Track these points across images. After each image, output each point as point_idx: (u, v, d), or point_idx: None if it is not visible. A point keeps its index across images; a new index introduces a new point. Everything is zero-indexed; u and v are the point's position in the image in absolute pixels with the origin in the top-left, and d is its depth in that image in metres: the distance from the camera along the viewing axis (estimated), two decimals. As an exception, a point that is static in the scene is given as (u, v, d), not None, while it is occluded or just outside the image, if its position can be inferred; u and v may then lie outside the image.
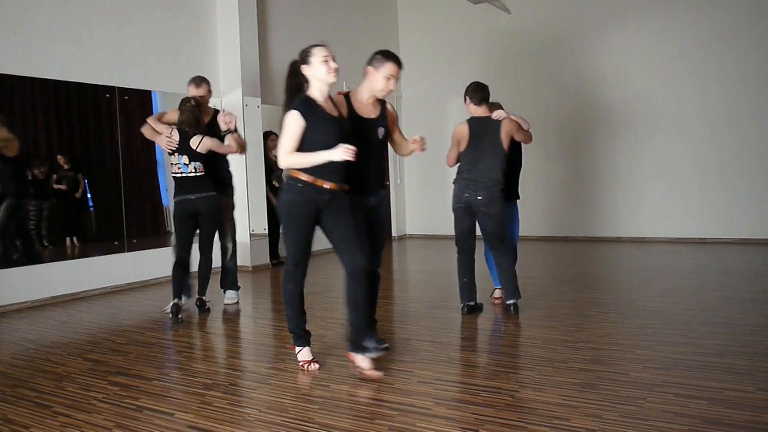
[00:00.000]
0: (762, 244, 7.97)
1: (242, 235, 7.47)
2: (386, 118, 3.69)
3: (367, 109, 3.61)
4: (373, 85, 3.59)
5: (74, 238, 6.45)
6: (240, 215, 7.44)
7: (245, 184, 7.38)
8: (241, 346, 4.07)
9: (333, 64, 3.44)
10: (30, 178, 6.01)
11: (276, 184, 7.74)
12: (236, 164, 7.39)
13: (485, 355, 3.56)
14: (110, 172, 6.41)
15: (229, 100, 7.48)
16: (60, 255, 6.19)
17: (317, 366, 3.46)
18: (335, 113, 3.44)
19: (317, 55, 3.43)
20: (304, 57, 3.46)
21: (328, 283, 6.66)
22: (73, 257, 6.23)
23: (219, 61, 7.52)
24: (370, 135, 3.53)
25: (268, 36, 8.12)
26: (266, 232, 7.68)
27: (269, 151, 7.76)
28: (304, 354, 3.51)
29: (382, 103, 3.71)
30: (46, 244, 6.25)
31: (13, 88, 5.72)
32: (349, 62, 9.56)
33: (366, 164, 3.48)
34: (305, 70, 3.44)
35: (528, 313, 4.69)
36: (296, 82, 3.47)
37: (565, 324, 4.29)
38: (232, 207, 5.41)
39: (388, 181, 4.04)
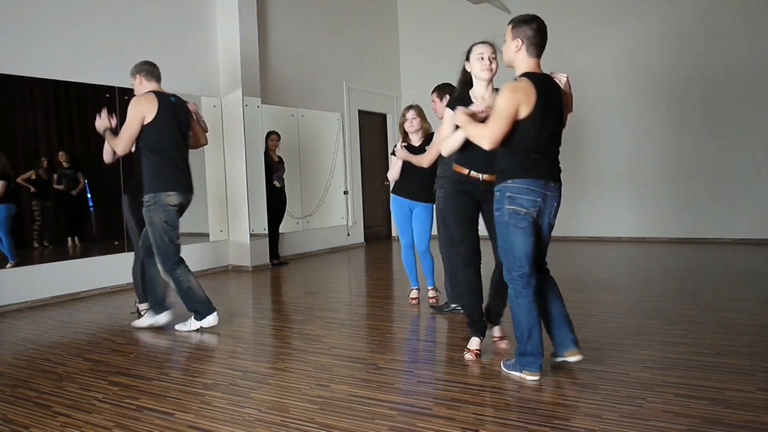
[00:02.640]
0: (762, 243, 7.97)
1: (242, 235, 7.48)
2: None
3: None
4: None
5: (75, 238, 6.46)
6: (240, 215, 7.47)
7: (245, 184, 7.38)
8: (240, 347, 4.07)
9: (486, 62, 3.46)
10: (35, 177, 6.02)
11: (277, 184, 7.74)
12: (236, 163, 7.42)
13: (485, 355, 3.56)
14: (110, 171, 6.41)
15: (229, 100, 7.48)
16: (60, 255, 6.20)
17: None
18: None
19: (474, 52, 3.49)
20: (467, 54, 3.54)
21: (328, 283, 6.66)
22: (73, 257, 6.24)
23: (219, 61, 7.52)
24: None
25: (268, 36, 8.13)
26: (266, 232, 7.68)
27: (270, 151, 7.76)
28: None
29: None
30: (46, 244, 6.26)
31: (13, 87, 5.72)
32: (349, 62, 9.61)
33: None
34: (467, 66, 3.53)
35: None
36: (465, 78, 3.56)
37: (565, 324, 4.29)
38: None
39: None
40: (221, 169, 7.58)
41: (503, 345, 3.76)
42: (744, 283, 5.68)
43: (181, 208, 4.38)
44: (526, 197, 3.07)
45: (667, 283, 5.76)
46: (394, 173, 4.97)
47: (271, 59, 8.20)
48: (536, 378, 3.12)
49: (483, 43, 3.52)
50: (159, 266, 4.35)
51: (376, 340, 4.15)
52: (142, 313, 4.78)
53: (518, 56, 3.16)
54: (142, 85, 4.38)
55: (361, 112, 9.80)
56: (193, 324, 4.44)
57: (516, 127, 3.06)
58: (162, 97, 4.31)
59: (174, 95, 4.45)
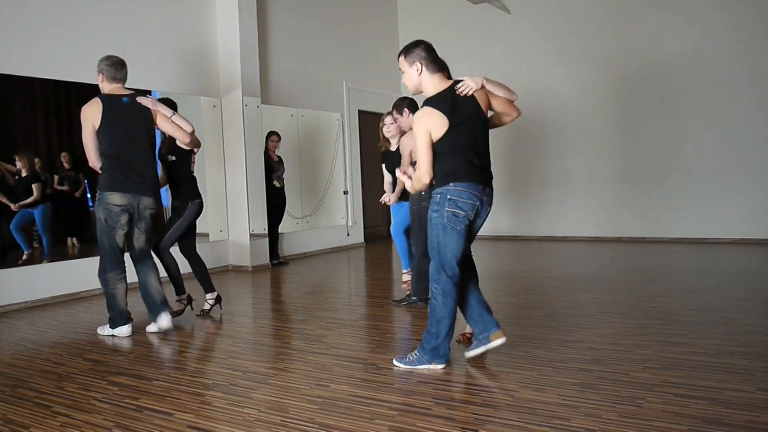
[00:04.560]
0: (762, 243, 7.97)
1: (242, 235, 7.48)
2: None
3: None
4: None
5: (74, 239, 6.48)
6: (240, 215, 7.47)
7: (245, 184, 7.38)
8: (240, 347, 4.07)
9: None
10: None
11: (277, 184, 7.74)
12: (236, 163, 7.42)
13: (485, 355, 3.56)
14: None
15: (229, 100, 7.48)
16: (60, 255, 6.20)
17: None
18: None
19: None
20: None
21: (328, 283, 6.66)
22: (73, 257, 6.24)
23: (219, 61, 7.52)
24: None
25: (267, 36, 8.13)
26: (266, 232, 7.68)
27: (270, 151, 7.76)
28: None
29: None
30: (37, 245, 6.28)
31: (14, 88, 5.72)
32: (349, 63, 9.61)
33: None
34: None
35: (528, 312, 4.69)
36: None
37: (565, 324, 4.29)
38: None
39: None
40: (221, 169, 7.58)
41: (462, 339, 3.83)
42: (744, 282, 5.67)
43: (130, 210, 4.28)
44: (466, 201, 3.24)
45: (667, 283, 5.76)
46: (394, 198, 5.18)
47: (271, 59, 8.20)
48: (443, 366, 3.35)
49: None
50: (100, 262, 4.37)
51: (376, 340, 4.15)
52: (209, 301, 4.98)
53: (423, 78, 3.35)
54: (103, 84, 4.33)
55: (361, 112, 9.80)
56: (107, 329, 4.44)
57: (440, 141, 3.24)
58: (109, 101, 4.22)
59: (129, 95, 4.32)
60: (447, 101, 3.26)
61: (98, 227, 4.28)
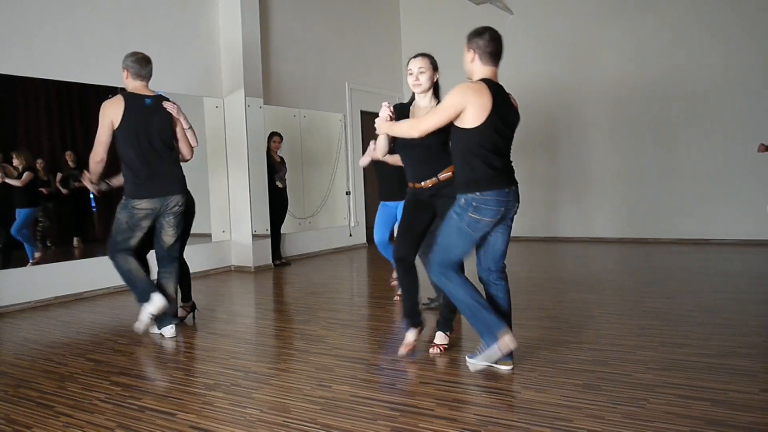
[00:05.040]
0: (765, 245, 7.95)
1: (245, 236, 7.48)
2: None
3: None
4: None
5: (78, 239, 6.49)
6: (242, 215, 7.48)
7: (247, 184, 7.39)
8: (242, 347, 4.07)
9: (413, 78, 3.59)
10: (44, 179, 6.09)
11: (279, 184, 7.75)
12: (238, 164, 7.43)
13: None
14: (113, 172, 6.43)
15: (231, 100, 7.49)
16: (63, 255, 6.21)
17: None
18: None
19: (407, 68, 3.63)
20: None
21: (330, 284, 6.66)
22: (76, 258, 6.25)
23: (221, 62, 7.53)
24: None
25: (270, 37, 8.13)
26: (268, 232, 7.69)
27: (273, 152, 7.77)
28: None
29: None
30: (49, 245, 6.28)
31: (17, 88, 5.74)
32: (351, 63, 9.61)
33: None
34: None
35: (530, 313, 4.68)
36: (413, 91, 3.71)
37: (567, 324, 4.29)
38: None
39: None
40: (224, 169, 7.58)
41: (435, 351, 3.74)
42: (747, 284, 5.66)
43: (156, 213, 4.26)
44: (492, 208, 3.22)
45: (670, 284, 5.75)
46: (364, 161, 5.16)
47: (274, 60, 8.20)
48: (509, 335, 3.22)
49: (414, 57, 3.65)
50: (108, 250, 4.34)
51: (378, 340, 4.15)
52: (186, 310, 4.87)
53: (473, 66, 3.30)
54: (127, 81, 4.27)
55: (363, 113, 9.80)
56: (143, 316, 4.25)
57: (474, 133, 3.15)
58: (132, 100, 4.17)
59: (153, 96, 4.27)
60: (501, 94, 3.21)
61: (116, 225, 4.25)
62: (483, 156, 3.18)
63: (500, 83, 3.28)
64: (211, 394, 3.15)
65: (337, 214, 9.50)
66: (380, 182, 5.39)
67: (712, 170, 8.36)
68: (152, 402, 3.07)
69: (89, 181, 4.37)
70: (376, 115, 3.56)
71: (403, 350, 3.69)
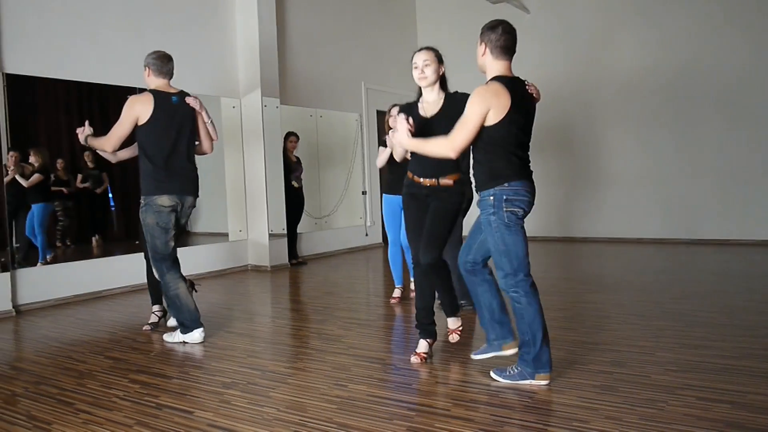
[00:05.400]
0: (786, 245, 7.85)
1: (261, 235, 7.52)
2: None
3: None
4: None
5: (97, 238, 6.57)
6: (259, 215, 7.51)
7: (264, 184, 7.42)
8: (259, 346, 4.09)
9: (418, 71, 3.54)
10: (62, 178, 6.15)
11: (295, 184, 7.77)
12: (255, 164, 7.46)
13: (504, 357, 3.53)
14: (131, 171, 6.48)
15: (248, 100, 7.52)
16: (82, 254, 6.28)
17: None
18: (429, 114, 3.57)
19: (413, 60, 3.58)
20: None
21: (347, 283, 6.67)
22: (95, 257, 6.32)
23: (238, 62, 7.57)
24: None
25: (286, 37, 8.16)
26: (285, 232, 7.71)
27: (289, 152, 7.79)
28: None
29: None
30: (68, 243, 6.35)
31: (38, 89, 5.81)
32: (367, 63, 9.62)
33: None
34: None
35: (547, 314, 4.62)
36: (419, 86, 3.67)
37: (584, 325, 4.26)
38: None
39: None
40: (240, 169, 7.62)
41: (455, 337, 3.75)
42: (767, 285, 5.59)
43: (177, 210, 4.21)
44: (523, 198, 3.14)
45: (689, 285, 5.69)
46: (381, 161, 5.11)
47: (290, 60, 8.23)
48: (548, 380, 3.11)
49: (419, 51, 3.61)
50: (153, 268, 4.25)
51: (395, 340, 4.15)
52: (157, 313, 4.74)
53: (486, 60, 3.23)
54: (149, 79, 4.26)
55: (379, 113, 9.80)
56: (177, 336, 4.24)
57: (494, 128, 3.08)
58: (160, 98, 4.16)
59: (177, 94, 4.27)
60: (516, 87, 3.14)
61: (148, 232, 4.14)
62: (506, 148, 3.12)
63: (516, 76, 3.23)
64: (228, 393, 3.17)
65: (353, 214, 9.51)
66: (391, 175, 5.24)
67: (735, 169, 8.26)
68: (170, 400, 3.09)
69: (85, 138, 4.30)
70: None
71: (413, 359, 3.59)
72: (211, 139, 4.51)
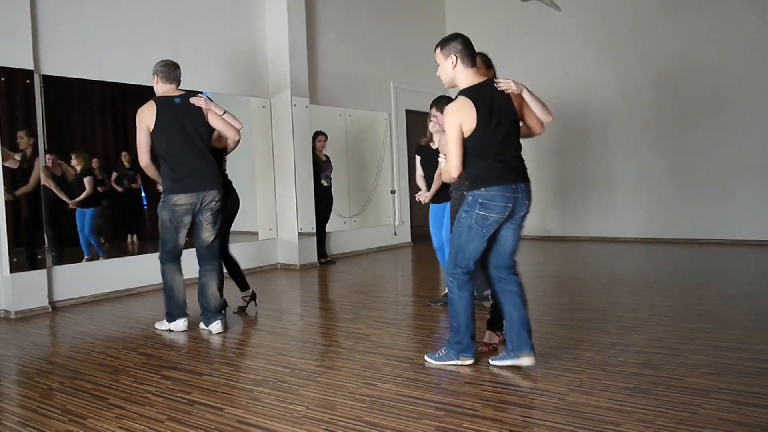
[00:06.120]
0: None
1: (290, 233, 7.57)
2: None
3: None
4: None
5: (133, 236, 6.70)
6: (289, 214, 7.57)
7: (293, 183, 7.47)
8: (289, 344, 4.12)
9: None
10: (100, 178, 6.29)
11: (324, 183, 7.81)
12: (284, 163, 7.51)
13: (534, 357, 3.51)
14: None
15: (278, 100, 7.58)
16: (115, 252, 6.40)
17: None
18: None
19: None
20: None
21: (376, 282, 6.68)
22: (129, 254, 6.44)
23: (268, 63, 7.63)
24: None
25: (316, 37, 8.20)
26: (314, 231, 7.75)
27: (318, 151, 7.83)
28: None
29: None
30: (102, 242, 6.48)
31: (73, 90, 5.93)
32: (396, 62, 9.61)
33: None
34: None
35: (578, 314, 4.61)
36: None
37: (617, 326, 4.21)
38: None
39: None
40: (270, 168, 7.68)
41: (483, 349, 3.68)
42: (806, 287, 5.46)
43: (194, 209, 4.39)
44: (498, 204, 3.24)
45: (723, 286, 5.58)
46: (429, 197, 5.13)
47: (320, 60, 8.27)
48: (471, 362, 3.42)
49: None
50: (159, 254, 4.56)
51: (424, 339, 4.14)
52: (245, 299, 5.16)
53: (457, 71, 3.33)
54: (158, 86, 4.46)
55: (408, 112, 9.80)
56: (164, 324, 4.59)
57: (471, 139, 3.25)
58: (162, 103, 4.33)
59: (182, 95, 4.41)
60: (482, 94, 3.25)
61: (162, 226, 4.43)
62: (485, 153, 3.26)
63: (486, 78, 3.36)
64: (258, 390, 3.19)
65: (382, 213, 9.52)
66: (427, 185, 5.33)
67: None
68: (201, 396, 3.13)
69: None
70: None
71: (482, 348, 3.70)
72: (234, 128, 4.54)
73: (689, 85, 8.57)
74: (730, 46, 8.26)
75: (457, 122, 3.23)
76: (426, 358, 3.56)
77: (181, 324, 4.51)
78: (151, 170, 4.46)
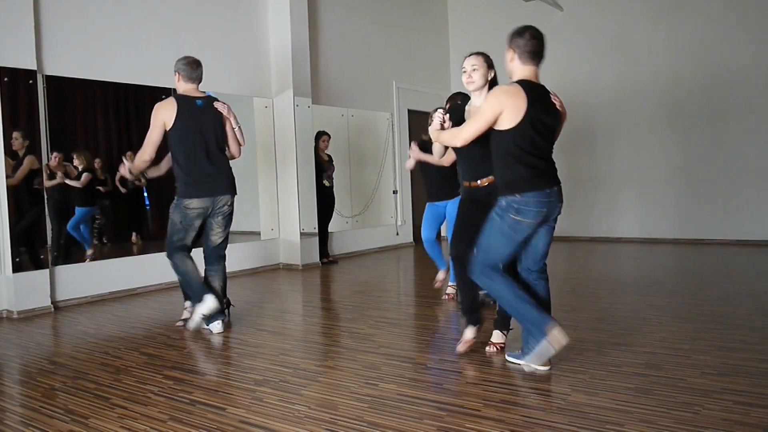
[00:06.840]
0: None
1: (293, 234, 7.57)
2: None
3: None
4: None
5: (136, 236, 6.71)
6: (291, 214, 7.57)
7: (296, 183, 7.47)
8: (290, 344, 4.12)
9: (466, 75, 3.60)
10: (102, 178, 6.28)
11: (327, 183, 7.81)
12: (287, 163, 7.52)
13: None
14: (166, 172, 6.60)
15: (280, 100, 7.58)
16: (118, 252, 6.40)
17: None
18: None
19: (463, 64, 3.64)
20: None
21: (378, 282, 6.68)
22: (133, 254, 6.45)
23: (271, 63, 7.63)
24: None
25: (318, 37, 8.20)
26: (316, 230, 7.75)
27: (321, 151, 7.83)
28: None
29: None
30: (105, 241, 6.48)
31: (76, 90, 5.94)
32: (399, 62, 9.61)
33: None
34: None
35: (580, 314, 4.60)
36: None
37: (619, 326, 4.20)
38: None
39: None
40: (272, 168, 7.69)
41: (491, 350, 3.68)
42: (809, 287, 5.45)
43: (206, 212, 4.40)
44: (533, 209, 3.18)
45: (727, 287, 5.57)
46: (410, 164, 5.06)
47: (322, 60, 8.27)
48: (555, 326, 3.13)
49: (469, 55, 3.65)
50: (166, 246, 4.50)
51: (426, 339, 4.14)
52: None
53: (513, 66, 3.28)
54: (179, 84, 4.42)
55: (410, 112, 9.80)
56: (197, 315, 4.35)
57: (506, 134, 3.14)
58: (185, 102, 4.29)
59: (203, 97, 4.39)
60: (540, 95, 3.18)
61: (171, 226, 4.41)
62: (521, 156, 3.16)
63: (542, 83, 3.25)
64: (260, 390, 3.19)
65: (384, 213, 9.52)
66: (426, 183, 5.37)
67: (772, 169, 8.07)
68: (203, 396, 3.13)
69: (128, 171, 4.52)
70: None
71: (461, 348, 3.69)
72: (239, 144, 4.62)
73: (694, 86, 8.56)
74: (737, 46, 8.24)
75: (499, 104, 3.10)
76: (508, 357, 3.50)
77: (209, 299, 4.29)
78: (144, 165, 4.42)
